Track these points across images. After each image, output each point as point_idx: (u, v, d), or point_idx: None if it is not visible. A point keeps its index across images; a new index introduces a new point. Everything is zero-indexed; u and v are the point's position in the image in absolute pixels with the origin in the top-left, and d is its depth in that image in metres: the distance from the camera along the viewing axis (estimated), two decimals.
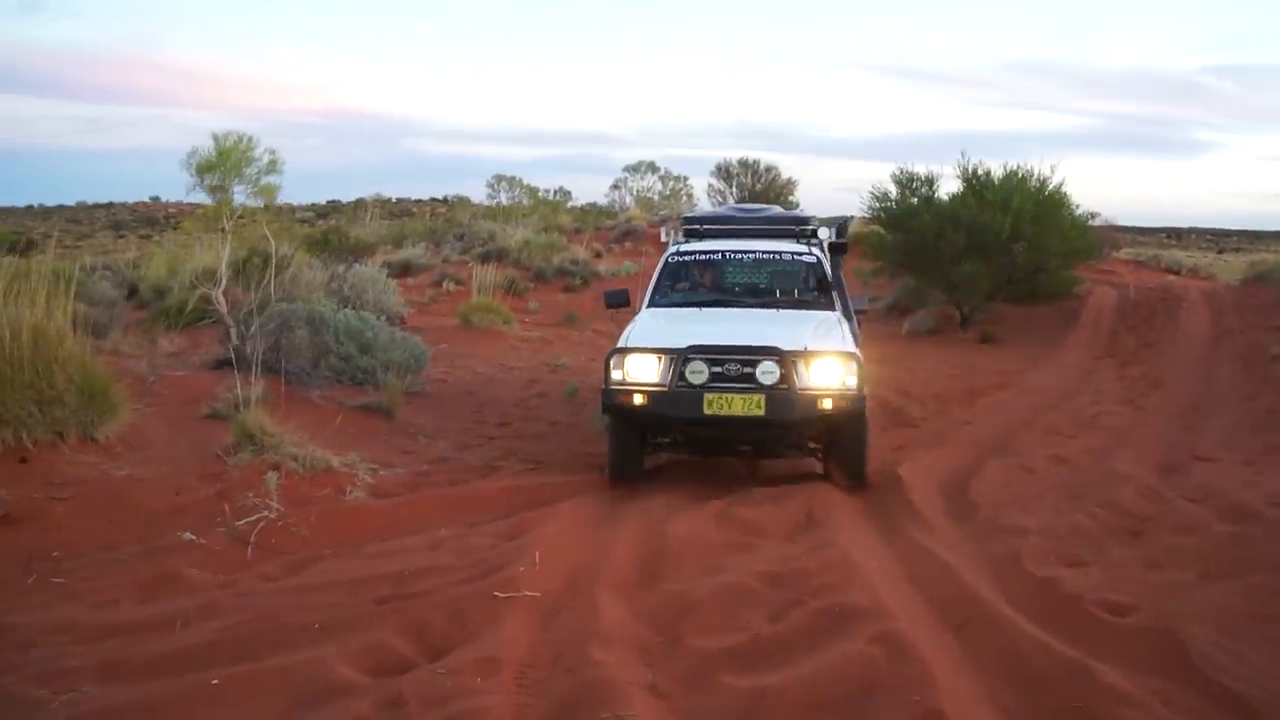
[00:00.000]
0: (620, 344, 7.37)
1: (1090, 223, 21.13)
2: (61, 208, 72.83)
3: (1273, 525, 5.64)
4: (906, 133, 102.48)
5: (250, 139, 9.40)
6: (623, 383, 7.16)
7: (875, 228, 20.26)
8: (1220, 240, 59.97)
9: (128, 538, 5.90)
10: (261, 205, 9.95)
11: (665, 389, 7.02)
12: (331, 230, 20.67)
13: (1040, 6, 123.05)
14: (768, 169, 39.68)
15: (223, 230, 9.88)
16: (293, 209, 63.61)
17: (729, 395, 6.93)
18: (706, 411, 6.93)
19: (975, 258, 17.69)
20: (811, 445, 7.60)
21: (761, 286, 8.80)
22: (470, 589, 4.94)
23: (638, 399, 7.09)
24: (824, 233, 9.31)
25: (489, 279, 18.55)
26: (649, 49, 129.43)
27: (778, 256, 8.89)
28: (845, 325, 7.89)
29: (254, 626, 4.42)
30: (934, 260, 18.21)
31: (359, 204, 46.32)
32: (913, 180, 19.49)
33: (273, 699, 3.75)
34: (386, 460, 7.75)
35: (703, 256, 9.03)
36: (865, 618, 4.27)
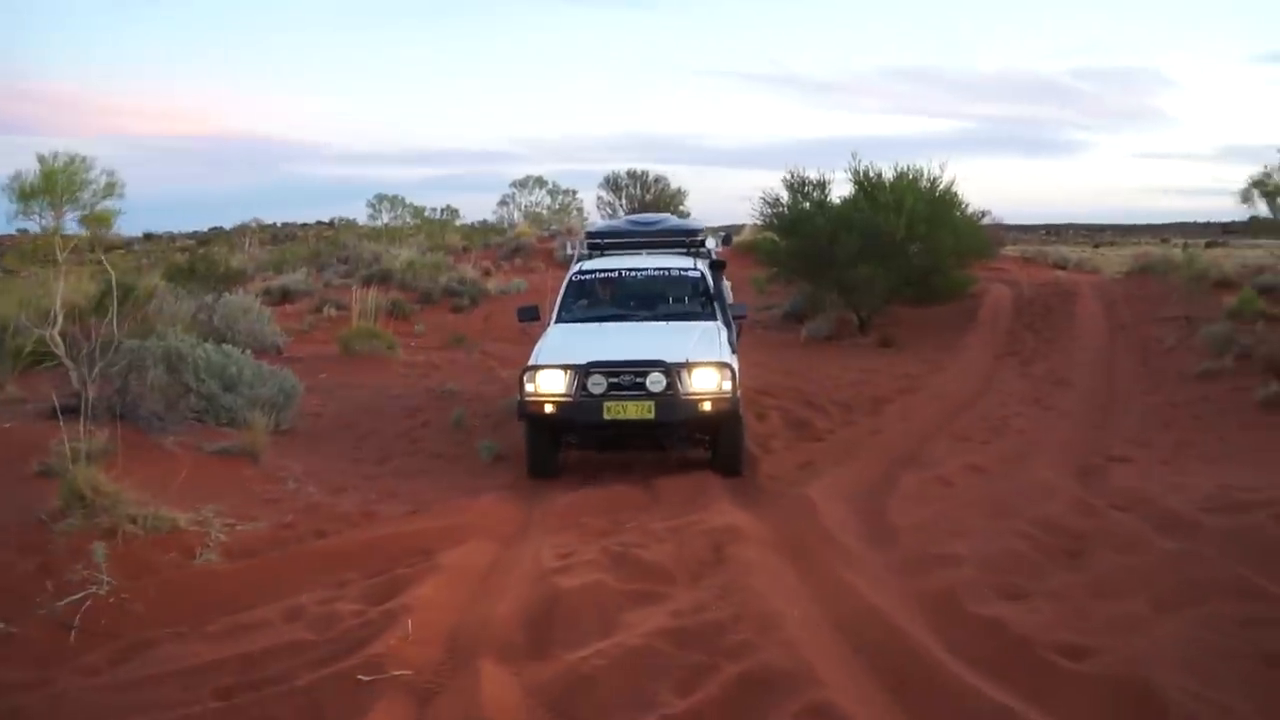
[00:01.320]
0: (532, 361, 8.41)
1: (981, 221, 21.12)
2: None
3: (1213, 537, 5.23)
4: (791, 140, 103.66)
5: (84, 160, 8.49)
6: (535, 394, 8.16)
7: (768, 234, 19.89)
8: (1095, 235, 61.78)
9: None
10: (87, 233, 9.00)
11: (571, 399, 8.06)
12: (198, 258, 19.43)
13: (915, 14, 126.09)
14: (656, 179, 39.35)
15: (55, 262, 8.83)
16: (173, 237, 61.16)
17: (624, 402, 8.00)
18: (606, 417, 8.03)
19: (871, 260, 17.40)
20: (696, 438, 8.61)
21: (654, 300, 9.93)
22: (330, 672, 4.21)
23: (548, 408, 8.14)
24: (711, 243, 10.68)
25: (372, 303, 17.64)
26: (531, 64, 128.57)
27: (667, 273, 10.05)
28: (724, 334, 8.91)
29: None
30: (829, 265, 17.87)
31: (240, 230, 44.55)
32: (805, 184, 19.17)
33: None
34: (247, 512, 6.90)
35: (602, 275, 10.16)
36: (789, 684, 3.68)
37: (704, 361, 8.11)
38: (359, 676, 4.08)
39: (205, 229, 60.69)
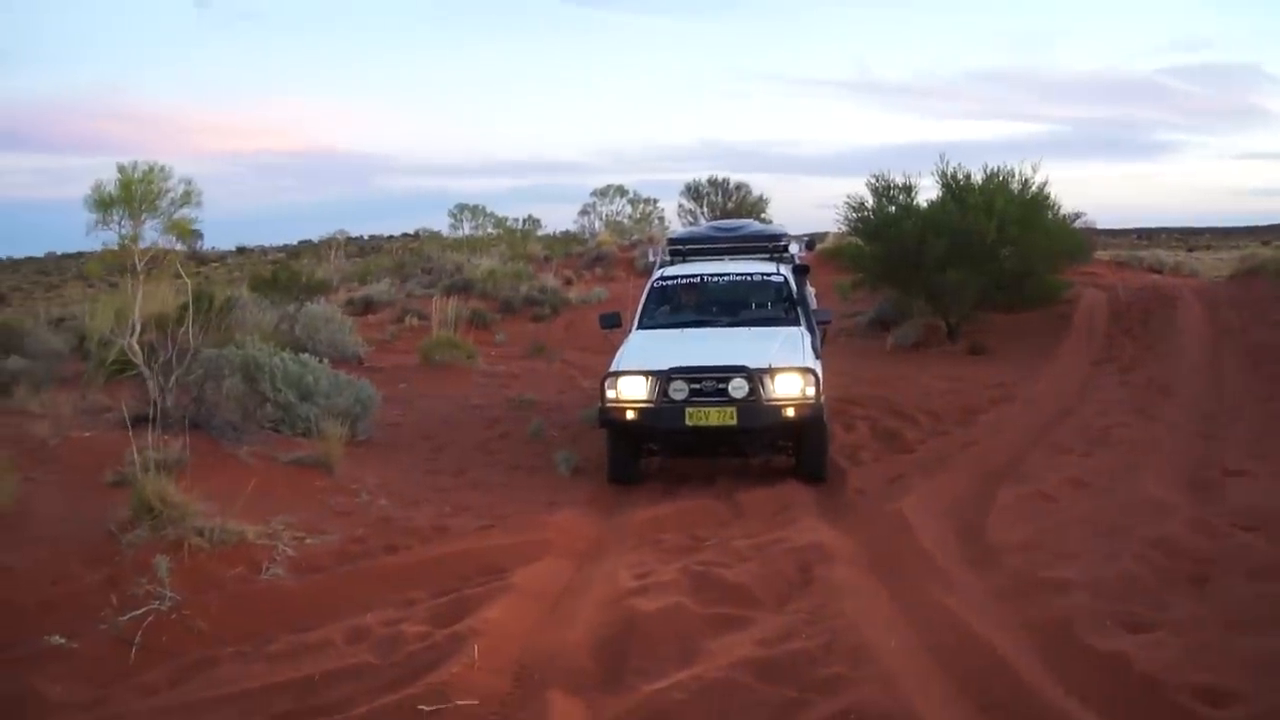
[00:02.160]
0: (613, 367, 8.38)
1: (1074, 224, 20.32)
2: (30, 259, 71.35)
3: None
4: (874, 146, 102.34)
5: (163, 169, 8.49)
6: (616, 400, 8.14)
7: (853, 239, 19.38)
8: (1189, 239, 59.62)
9: None
10: (178, 245, 9.01)
11: (652, 405, 8.03)
12: (280, 268, 19.60)
13: (998, 16, 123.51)
14: (737, 187, 38.85)
15: (133, 272, 8.83)
16: (264, 250, 62.51)
17: (706, 408, 7.92)
18: (688, 423, 7.95)
19: (960, 265, 16.79)
20: (780, 444, 8.50)
21: (736, 305, 9.80)
22: (392, 700, 3.96)
23: (629, 414, 8.10)
24: (794, 248, 10.50)
25: (453, 312, 17.59)
26: (611, 75, 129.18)
27: (749, 279, 9.94)
28: (807, 339, 8.79)
29: None
30: (916, 270, 17.30)
31: (327, 242, 45.20)
32: (890, 188, 18.58)
33: None
34: (317, 525, 6.73)
35: (684, 280, 10.10)
36: None
37: (787, 367, 8.02)
38: (420, 707, 3.83)
39: (295, 242, 62.03)
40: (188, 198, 9.11)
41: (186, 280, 9.30)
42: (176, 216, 8.89)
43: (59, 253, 66.12)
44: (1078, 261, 20.08)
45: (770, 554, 5.84)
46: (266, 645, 4.79)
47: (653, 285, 10.10)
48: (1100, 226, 38.98)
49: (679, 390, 7.95)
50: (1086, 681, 3.73)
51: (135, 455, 6.53)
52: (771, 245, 10.55)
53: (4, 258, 71.52)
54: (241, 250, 64.06)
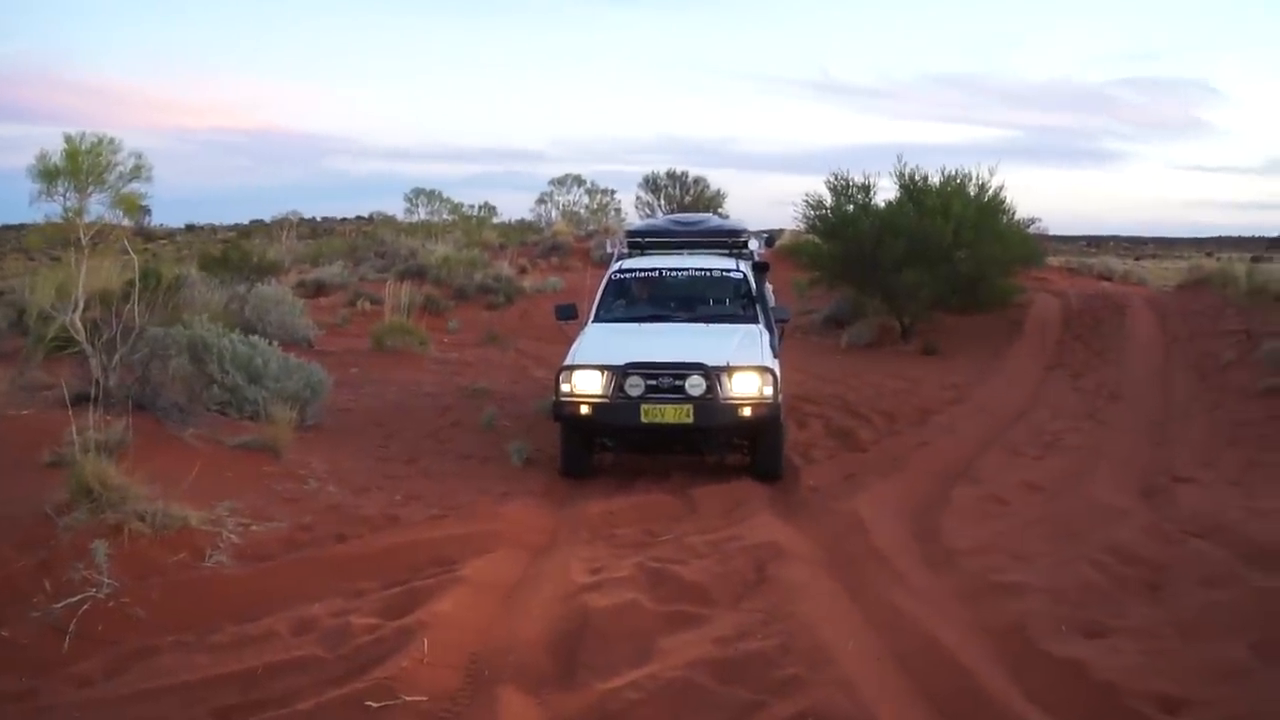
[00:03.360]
0: (568, 360, 8.20)
1: (1029, 229, 20.52)
2: None
3: None
4: (833, 146, 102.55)
5: (112, 141, 8.24)
6: (570, 394, 7.98)
7: (811, 237, 19.43)
8: (1136, 247, 60.51)
9: None
10: (122, 216, 8.76)
11: (607, 400, 7.86)
12: (231, 247, 19.23)
13: (956, 21, 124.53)
14: (696, 181, 38.86)
15: (77, 246, 8.57)
16: (214, 229, 61.43)
17: (662, 406, 7.77)
18: (643, 420, 7.80)
19: (916, 266, 16.89)
20: (735, 443, 8.40)
21: (694, 301, 9.69)
22: (338, 695, 3.84)
23: (584, 409, 7.93)
24: (754, 244, 10.34)
25: (406, 298, 17.36)
26: (570, 64, 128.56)
27: (708, 274, 9.79)
28: (766, 337, 8.68)
29: None
30: (873, 270, 17.39)
31: (280, 222, 44.55)
32: (849, 187, 18.66)
33: None
34: (264, 512, 6.56)
35: (642, 274, 9.91)
36: None
37: (745, 365, 7.92)
38: (368, 703, 3.72)
39: (247, 221, 61.02)
40: (137, 172, 8.90)
41: (134, 256, 9.05)
42: (125, 191, 8.67)
43: None
44: (1030, 266, 20.28)
45: (725, 551, 5.78)
46: (209, 635, 4.64)
47: (610, 277, 9.94)
48: (1052, 233, 39.49)
49: (635, 386, 7.81)
50: (1044, 687, 3.71)
51: (75, 435, 6.31)
52: (731, 241, 10.41)
53: None
54: (191, 228, 62.92)
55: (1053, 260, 27.97)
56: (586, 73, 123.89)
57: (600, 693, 3.80)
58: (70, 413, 6.53)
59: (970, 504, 6.98)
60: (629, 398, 7.81)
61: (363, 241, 33.45)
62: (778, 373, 8.04)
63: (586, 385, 7.95)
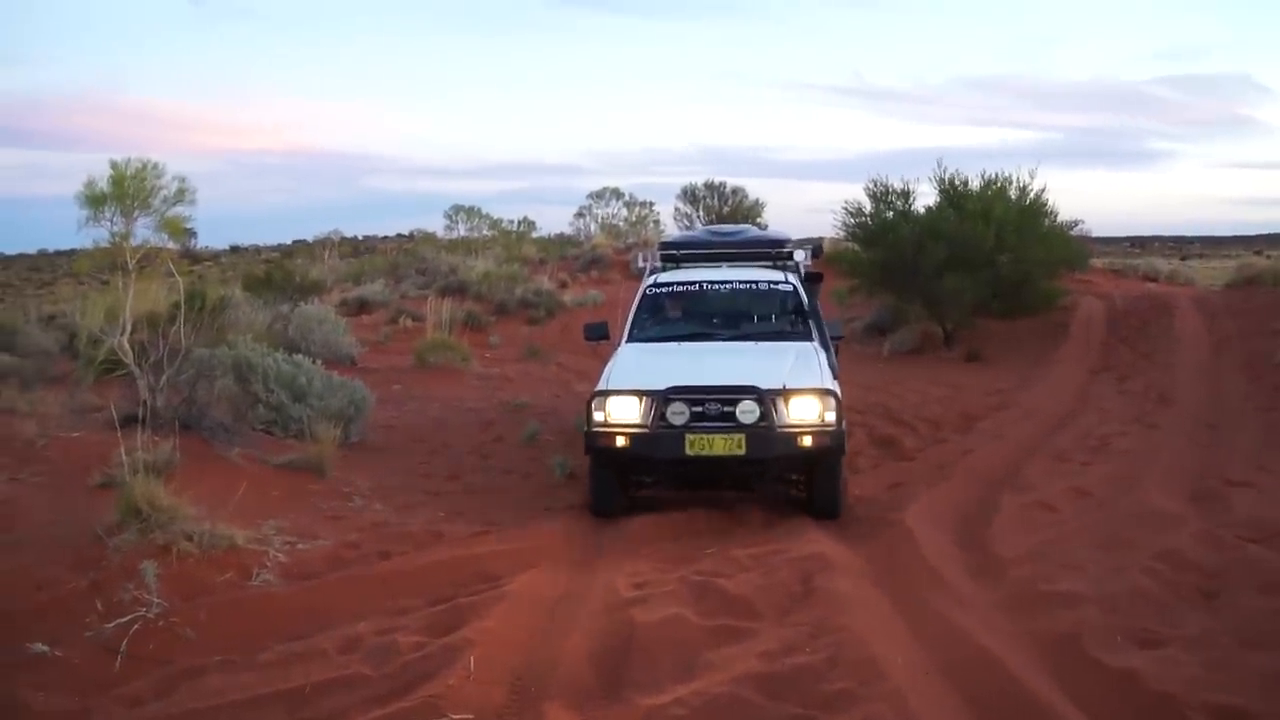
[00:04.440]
0: (601, 385, 7.37)
1: (1072, 231, 20.26)
2: (21, 256, 71.07)
3: None
4: (868, 152, 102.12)
5: (155, 166, 8.42)
6: (605, 424, 7.15)
7: (851, 245, 19.34)
8: (1183, 247, 59.55)
9: None
10: (167, 240, 8.93)
11: (647, 430, 7.02)
12: (274, 268, 19.46)
13: (990, 23, 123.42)
14: (734, 191, 38.77)
15: (124, 269, 8.73)
16: (258, 249, 62.28)
17: (710, 435, 6.94)
18: (689, 452, 6.97)
19: (957, 271, 16.75)
20: (791, 477, 7.53)
21: (739, 317, 8.82)
22: (385, 713, 3.85)
23: (620, 440, 7.08)
24: (800, 255, 9.30)
25: (448, 314, 17.48)
26: (605, 78, 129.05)
27: (754, 286, 8.88)
28: (822, 355, 7.80)
29: None
30: (914, 276, 17.28)
31: (321, 242, 45.06)
32: (888, 193, 18.58)
33: None
34: (310, 530, 6.60)
35: (680, 288, 9.04)
36: None
37: (804, 389, 7.05)
38: None
39: (289, 241, 61.77)
40: (181, 195, 9.03)
41: (179, 278, 9.17)
42: (169, 214, 8.80)
43: (50, 249, 65.79)
44: (1074, 269, 20.03)
45: (771, 564, 5.73)
46: (256, 654, 4.66)
47: (645, 292, 8.99)
48: (1095, 235, 38.95)
49: (678, 414, 6.96)
50: (1098, 699, 3.63)
51: (124, 456, 6.40)
52: (774, 251, 9.36)
53: None
54: (235, 249, 63.81)
55: (1096, 262, 27.62)
56: (621, 86, 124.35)
57: (646, 709, 3.77)
58: (119, 434, 6.61)
59: (1018, 512, 6.89)
60: (672, 427, 6.96)
61: (404, 259, 33.76)
62: (840, 396, 7.22)
63: (623, 413, 7.11)
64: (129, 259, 8.65)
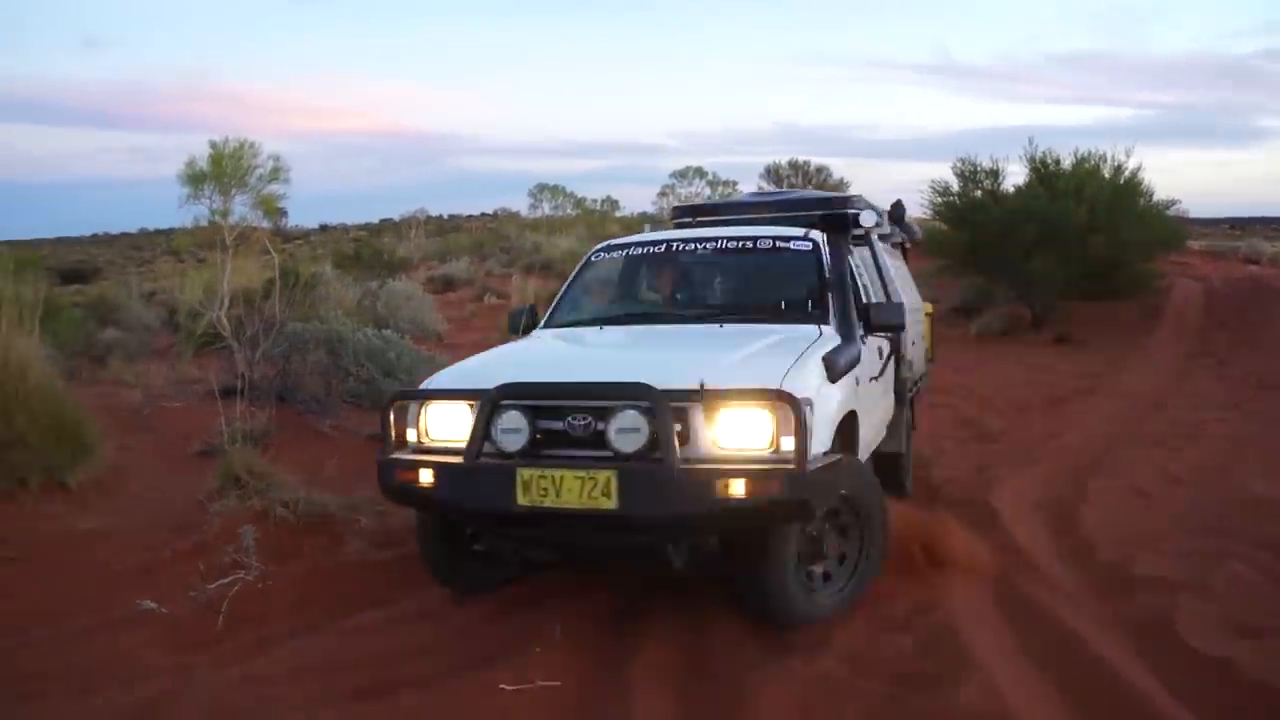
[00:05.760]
0: (423, 385, 4.85)
1: (1168, 211, 19.69)
2: (124, 235, 73.63)
3: None
4: (954, 131, 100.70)
5: (252, 145, 8.66)
6: (416, 446, 4.57)
7: (937, 225, 19.07)
8: None
9: (80, 607, 4.98)
10: (262, 218, 9.20)
11: (461, 462, 4.25)
12: (364, 246, 19.86)
13: None
14: (819, 170, 38.49)
15: (222, 247, 9.02)
16: (346, 228, 63.67)
17: (558, 472, 4.01)
18: (521, 502, 4.06)
19: (1047, 252, 16.40)
20: (707, 553, 4.37)
21: (724, 290, 6.04)
22: (473, 677, 3.95)
23: (426, 477, 4.33)
24: (867, 218, 6.31)
25: (531, 291, 17.67)
26: (688, 57, 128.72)
27: (752, 245, 5.77)
28: (826, 348, 4.66)
29: None
30: (1002, 256, 16.97)
31: (408, 221, 45.87)
32: (976, 172, 18.26)
33: None
34: None
35: (639, 250, 6.08)
36: None
37: (739, 391, 4.03)
38: (502, 686, 3.80)
39: (376, 220, 62.97)
40: (275, 174, 9.28)
41: (274, 255, 9.44)
42: (265, 192, 9.05)
43: (150, 228, 68.04)
44: (1170, 250, 19.49)
45: None
46: (347, 618, 4.81)
47: (588, 259, 6.25)
48: (1192, 215, 37.76)
49: (513, 431, 4.20)
50: (1192, 686, 3.56)
51: (223, 426, 6.64)
52: (829, 214, 6.26)
53: (99, 233, 73.95)
54: (324, 228, 65.21)
55: (1193, 244, 26.84)
56: (704, 66, 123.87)
57: (729, 681, 3.80)
58: (219, 405, 6.86)
59: (1108, 497, 6.75)
60: (500, 455, 4.23)
61: (488, 237, 34.19)
62: (831, 409, 4.37)
63: (446, 429, 4.49)
64: (226, 236, 8.92)
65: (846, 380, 4.65)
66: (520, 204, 46.94)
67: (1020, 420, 10.35)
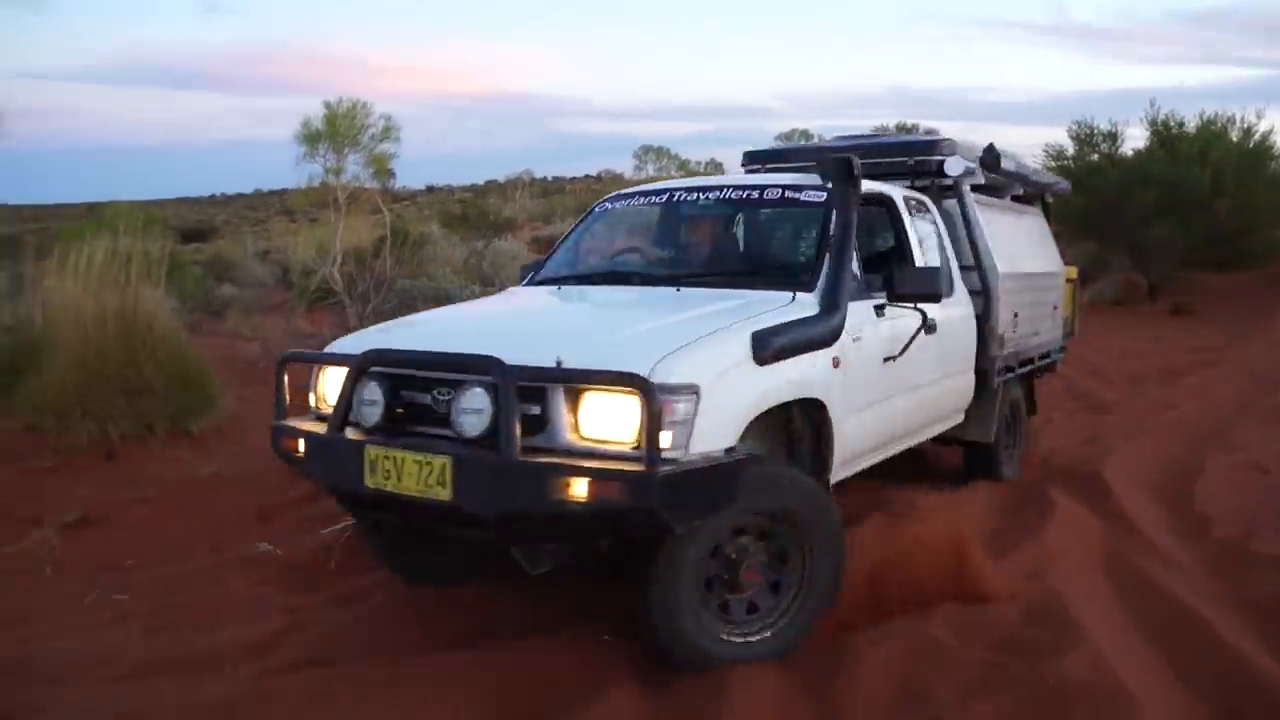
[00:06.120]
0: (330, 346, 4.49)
1: None
2: (239, 195, 76.13)
3: None
4: (1070, 93, 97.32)
5: (365, 105, 8.86)
6: (317, 412, 4.23)
7: None
8: None
9: (203, 546, 5.24)
10: (373, 177, 9.38)
11: (321, 435, 3.94)
12: (470, 205, 20.16)
13: None
14: (927, 133, 37.59)
15: (335, 206, 9.27)
16: (451, 189, 64.79)
17: (400, 454, 3.60)
18: (368, 482, 3.69)
19: (1168, 218, 15.82)
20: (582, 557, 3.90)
21: (715, 248, 5.41)
22: (572, 629, 4.02)
23: (300, 446, 4.05)
24: (954, 165, 5.80)
25: None
26: (794, 19, 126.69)
27: (759, 196, 5.09)
28: (778, 322, 3.91)
29: (304, 682, 3.60)
30: (1119, 223, 16.42)
31: (512, 183, 46.40)
32: (1093, 135, 17.68)
33: None
34: None
35: (641, 201, 5.56)
36: (1094, 702, 3.14)
37: (593, 372, 3.38)
38: (605, 637, 3.86)
39: (481, 182, 63.84)
40: (387, 133, 9.48)
41: (386, 213, 9.67)
42: (376, 151, 9.26)
43: (264, 189, 70.17)
44: None
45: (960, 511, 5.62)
46: None
47: (591, 210, 5.72)
48: None
49: (370, 403, 3.82)
50: None
51: None
52: (913, 159, 5.98)
53: (216, 194, 76.57)
54: (431, 190, 66.36)
55: None
56: (810, 27, 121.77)
57: (835, 647, 3.79)
58: None
59: (1226, 472, 6.53)
60: (359, 429, 3.84)
61: (592, 199, 34.30)
62: (740, 397, 3.60)
63: (331, 396, 4.04)
64: (339, 195, 9.17)
65: (798, 362, 3.88)
66: (625, 166, 47.12)
67: (1134, 392, 10.07)
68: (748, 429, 3.60)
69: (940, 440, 5.81)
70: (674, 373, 3.36)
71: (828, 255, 4.41)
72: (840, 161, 4.56)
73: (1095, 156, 17.66)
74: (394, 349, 3.87)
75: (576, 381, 3.38)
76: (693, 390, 3.37)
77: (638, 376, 3.25)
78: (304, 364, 4.35)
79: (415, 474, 3.52)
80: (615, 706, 3.35)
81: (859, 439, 4.42)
